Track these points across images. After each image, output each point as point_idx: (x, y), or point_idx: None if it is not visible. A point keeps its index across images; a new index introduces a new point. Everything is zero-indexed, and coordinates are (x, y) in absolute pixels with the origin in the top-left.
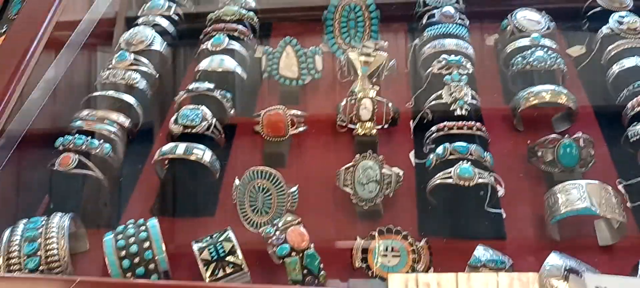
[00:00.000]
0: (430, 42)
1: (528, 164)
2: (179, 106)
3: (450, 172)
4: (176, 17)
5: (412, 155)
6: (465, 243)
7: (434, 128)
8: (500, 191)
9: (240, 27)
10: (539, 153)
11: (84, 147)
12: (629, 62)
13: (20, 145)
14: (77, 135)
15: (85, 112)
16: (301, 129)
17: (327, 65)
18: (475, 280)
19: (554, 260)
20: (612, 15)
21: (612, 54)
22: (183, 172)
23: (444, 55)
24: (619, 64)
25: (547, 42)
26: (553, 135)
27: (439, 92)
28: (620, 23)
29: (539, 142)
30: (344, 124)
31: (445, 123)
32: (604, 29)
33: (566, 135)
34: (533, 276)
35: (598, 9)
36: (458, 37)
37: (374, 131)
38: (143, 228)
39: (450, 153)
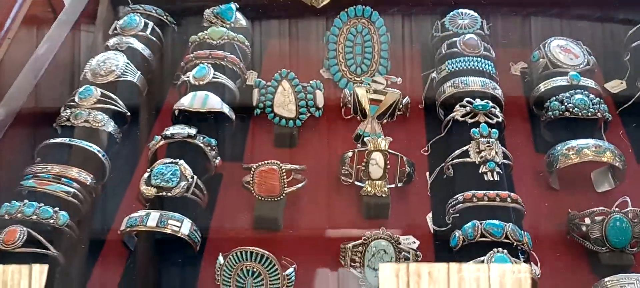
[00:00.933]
0: (451, 79)
1: (566, 234)
2: (153, 156)
3: (482, 262)
4: (154, 38)
5: (429, 219)
6: None
7: (460, 197)
8: (536, 272)
9: (228, 54)
10: (583, 228)
11: (34, 217)
12: None
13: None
14: (26, 202)
15: (38, 167)
16: (299, 185)
17: (326, 94)
18: (467, 271)
19: None
20: None
21: None
22: (157, 244)
23: (468, 99)
24: None
25: (588, 82)
26: (601, 208)
27: (465, 148)
28: None
29: (583, 213)
30: (350, 180)
31: (473, 192)
32: None
33: (615, 208)
34: (525, 267)
35: None
36: (484, 74)
37: (386, 191)
38: None
39: (482, 235)
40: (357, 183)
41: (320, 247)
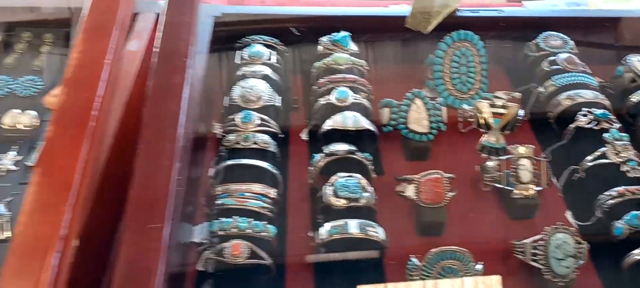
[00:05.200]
0: (564, 92)
1: None
2: (317, 171)
3: None
4: (279, 66)
5: (569, 216)
6: None
7: (613, 192)
8: None
9: (358, 78)
10: None
11: (249, 231)
12: None
13: None
14: (236, 218)
15: (224, 186)
16: (453, 193)
17: None
18: (442, 286)
19: None
20: None
21: None
22: (344, 249)
23: (587, 109)
24: None
25: None
26: None
27: (601, 151)
28: None
29: None
30: (498, 185)
31: (625, 188)
32: None
33: None
34: (496, 279)
35: None
36: (589, 87)
37: (535, 193)
38: None
39: None
40: (505, 188)
41: (484, 246)
